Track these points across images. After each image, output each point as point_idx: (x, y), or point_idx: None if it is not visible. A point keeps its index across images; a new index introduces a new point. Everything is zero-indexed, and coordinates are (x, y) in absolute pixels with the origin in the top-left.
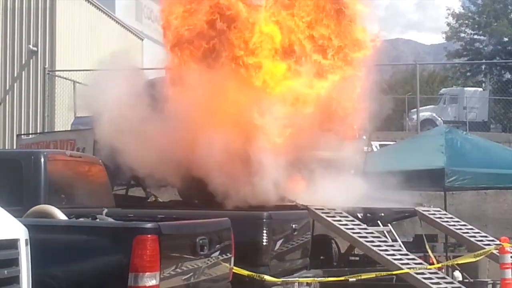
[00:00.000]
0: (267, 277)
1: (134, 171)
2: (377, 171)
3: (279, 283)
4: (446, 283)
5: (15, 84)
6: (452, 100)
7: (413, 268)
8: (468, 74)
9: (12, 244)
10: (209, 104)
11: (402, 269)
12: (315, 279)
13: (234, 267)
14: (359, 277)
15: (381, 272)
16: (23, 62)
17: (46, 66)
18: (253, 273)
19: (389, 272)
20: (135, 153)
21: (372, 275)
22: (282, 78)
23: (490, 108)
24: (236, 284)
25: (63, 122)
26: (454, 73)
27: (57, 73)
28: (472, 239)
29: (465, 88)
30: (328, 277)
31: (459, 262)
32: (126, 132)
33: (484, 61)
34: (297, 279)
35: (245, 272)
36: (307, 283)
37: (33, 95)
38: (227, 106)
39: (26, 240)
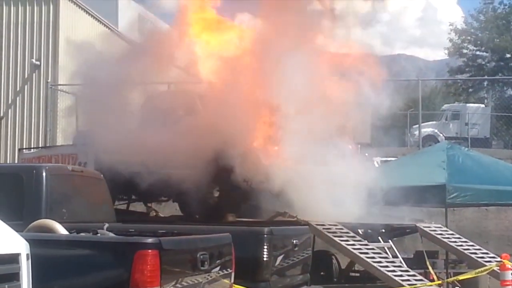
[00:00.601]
0: None
1: None
2: (379, 187)
3: None
4: None
5: (18, 98)
6: (454, 116)
7: (413, 285)
8: (470, 90)
9: (13, 258)
10: None
11: (402, 285)
12: None
13: (234, 285)
14: None
15: None
16: (26, 76)
17: (49, 80)
18: None
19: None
20: None
21: None
22: None
23: (492, 124)
24: None
25: (65, 136)
26: (456, 89)
27: (59, 87)
28: (473, 255)
29: (467, 104)
30: None
31: (460, 278)
32: None
33: (486, 77)
34: None
35: None
36: None
37: (36, 109)
38: None
39: (27, 254)
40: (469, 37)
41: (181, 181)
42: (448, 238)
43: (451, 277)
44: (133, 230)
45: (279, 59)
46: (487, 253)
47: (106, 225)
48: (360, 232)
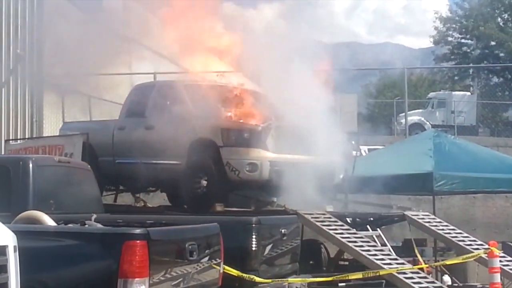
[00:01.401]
0: (257, 278)
1: None
2: (366, 175)
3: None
4: (435, 287)
5: (3, 89)
6: (440, 104)
7: (397, 268)
8: (456, 78)
9: (0, 250)
10: None
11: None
12: (305, 279)
13: (225, 267)
14: (347, 278)
15: (368, 272)
16: (11, 67)
17: (34, 71)
18: (243, 274)
19: (375, 271)
20: None
21: (359, 275)
22: None
23: (478, 112)
24: None
25: (51, 127)
26: (442, 77)
27: (45, 78)
28: (461, 243)
29: (453, 92)
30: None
31: (447, 263)
32: None
33: (471, 65)
34: (286, 279)
35: (235, 272)
36: (296, 285)
37: (21, 100)
38: None
39: (14, 246)
40: (454, 25)
41: (169, 171)
42: (436, 226)
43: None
44: (121, 220)
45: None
46: (474, 241)
47: (94, 216)
48: (349, 221)
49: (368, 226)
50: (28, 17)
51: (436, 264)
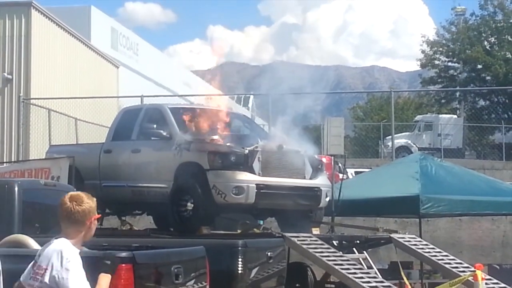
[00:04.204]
0: None
1: None
2: (353, 198)
3: None
4: None
5: None
6: (427, 127)
7: None
8: (443, 101)
9: None
10: None
11: None
12: None
13: None
14: None
15: None
16: None
17: (21, 94)
18: None
19: None
20: None
21: None
22: None
23: (465, 135)
24: None
25: (38, 150)
26: (429, 100)
27: (32, 101)
28: (447, 266)
29: (440, 115)
30: None
31: None
32: None
33: (458, 88)
34: None
35: None
36: None
37: (8, 123)
38: None
39: None
40: (441, 49)
41: (155, 194)
42: (422, 248)
43: (426, 287)
44: (106, 244)
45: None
46: (461, 263)
47: None
48: (335, 244)
49: (354, 249)
50: (16, 40)
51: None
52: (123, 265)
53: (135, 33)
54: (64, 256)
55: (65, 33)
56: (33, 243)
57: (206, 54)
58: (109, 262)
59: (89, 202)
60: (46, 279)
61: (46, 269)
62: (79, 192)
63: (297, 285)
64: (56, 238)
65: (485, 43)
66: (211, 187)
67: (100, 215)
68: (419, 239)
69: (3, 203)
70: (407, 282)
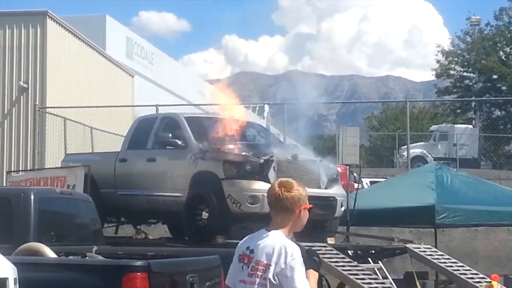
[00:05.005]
0: None
1: None
2: (368, 208)
3: None
4: None
5: (6, 121)
6: (442, 137)
7: None
8: (458, 111)
9: (0, 283)
10: None
11: None
12: None
13: None
14: None
15: None
16: (14, 98)
17: (37, 103)
18: None
19: None
20: None
21: None
22: None
23: (480, 145)
24: None
25: (53, 159)
26: (444, 110)
27: (47, 110)
28: (462, 276)
29: (455, 125)
30: None
31: None
32: None
33: (473, 98)
34: None
35: None
36: None
37: (24, 132)
38: None
39: (15, 279)
40: (456, 58)
41: (170, 203)
42: (437, 259)
43: None
44: (122, 252)
45: None
46: (476, 274)
47: (95, 248)
48: (350, 253)
49: (369, 259)
50: (31, 50)
51: None
52: (138, 273)
53: (149, 42)
54: (288, 252)
55: (80, 42)
56: (48, 252)
57: (220, 64)
58: (317, 259)
59: (299, 189)
60: (270, 275)
61: (269, 265)
62: (289, 179)
63: None
64: (267, 230)
65: (501, 53)
66: (226, 196)
67: (311, 206)
68: (435, 249)
69: (19, 212)
70: None
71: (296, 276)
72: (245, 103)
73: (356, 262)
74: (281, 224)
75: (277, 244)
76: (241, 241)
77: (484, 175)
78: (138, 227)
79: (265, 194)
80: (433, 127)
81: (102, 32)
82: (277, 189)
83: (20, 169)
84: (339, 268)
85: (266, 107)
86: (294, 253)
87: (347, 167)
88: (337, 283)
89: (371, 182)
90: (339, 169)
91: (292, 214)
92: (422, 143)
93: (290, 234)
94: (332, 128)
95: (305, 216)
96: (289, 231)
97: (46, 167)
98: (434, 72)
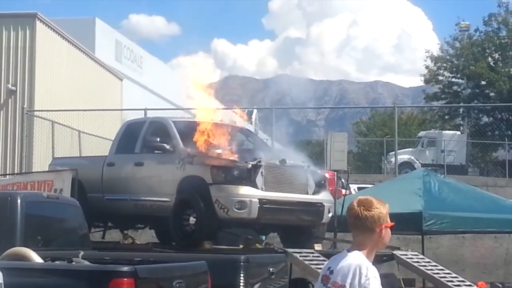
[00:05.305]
0: None
1: None
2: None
3: None
4: None
5: None
6: (430, 143)
7: None
8: (446, 117)
9: None
10: None
11: None
12: None
13: None
14: None
15: None
16: (2, 101)
17: (25, 106)
18: None
19: None
20: None
21: None
22: None
23: (468, 151)
24: None
25: (41, 162)
26: (432, 116)
27: (35, 113)
28: (449, 283)
29: (443, 131)
30: None
31: None
32: None
33: (462, 104)
34: None
35: None
36: None
37: (11, 135)
38: None
39: (0, 284)
40: (445, 64)
41: (158, 208)
42: (424, 266)
43: None
44: (108, 258)
45: None
46: (463, 281)
47: (82, 253)
48: None
49: None
50: (20, 52)
51: None
52: (125, 279)
53: (139, 45)
54: (362, 273)
55: (70, 45)
56: (35, 256)
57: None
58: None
59: (379, 208)
60: None
61: (343, 286)
62: (368, 197)
63: None
64: (348, 251)
65: (489, 59)
66: (213, 201)
67: (393, 224)
68: (422, 256)
69: (5, 216)
70: None
71: None
72: (233, 107)
73: None
74: (362, 245)
75: (353, 265)
76: (326, 262)
77: (472, 182)
78: (125, 232)
79: (253, 200)
80: (421, 133)
81: (91, 35)
82: (356, 208)
83: (7, 172)
84: None
85: (255, 112)
86: (368, 273)
87: (335, 172)
88: None
89: (359, 188)
90: (327, 175)
91: (373, 233)
92: (410, 149)
93: (372, 254)
94: (321, 134)
95: (387, 234)
96: (370, 251)
97: (33, 170)
98: (422, 78)
